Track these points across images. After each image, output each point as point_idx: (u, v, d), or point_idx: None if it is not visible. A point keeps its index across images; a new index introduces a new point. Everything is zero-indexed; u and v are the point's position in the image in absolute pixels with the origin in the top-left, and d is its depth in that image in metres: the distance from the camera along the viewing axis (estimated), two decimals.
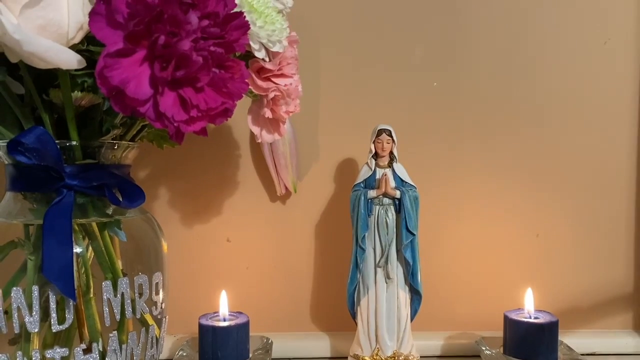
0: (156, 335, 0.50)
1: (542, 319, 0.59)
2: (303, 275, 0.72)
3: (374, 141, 0.61)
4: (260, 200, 0.72)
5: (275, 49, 0.47)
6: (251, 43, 0.46)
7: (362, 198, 0.60)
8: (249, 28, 0.40)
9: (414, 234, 0.60)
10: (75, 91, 0.43)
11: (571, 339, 0.64)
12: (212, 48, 0.37)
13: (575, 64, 0.72)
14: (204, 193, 0.71)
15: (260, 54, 0.47)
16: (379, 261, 0.61)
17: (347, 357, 0.63)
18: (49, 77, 0.43)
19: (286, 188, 0.70)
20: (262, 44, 0.46)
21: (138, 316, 0.47)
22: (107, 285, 0.45)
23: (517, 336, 0.59)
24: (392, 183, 0.61)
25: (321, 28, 0.71)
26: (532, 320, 0.59)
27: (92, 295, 0.46)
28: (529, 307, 0.61)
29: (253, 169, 0.72)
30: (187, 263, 0.71)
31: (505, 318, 0.61)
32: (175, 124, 0.37)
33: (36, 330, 0.43)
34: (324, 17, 0.71)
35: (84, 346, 0.45)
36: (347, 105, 0.72)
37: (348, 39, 0.71)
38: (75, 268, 0.43)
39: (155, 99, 0.36)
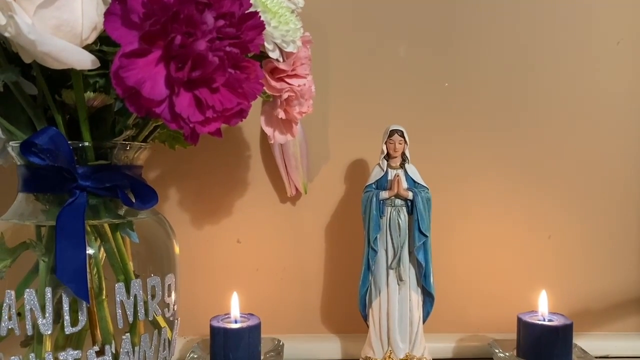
0: (168, 338, 0.50)
1: (557, 321, 0.58)
2: (314, 277, 0.72)
3: (386, 142, 0.61)
4: (270, 201, 0.72)
5: (289, 49, 0.47)
6: (265, 43, 0.46)
7: (374, 199, 0.60)
8: (264, 28, 0.39)
9: (426, 236, 0.60)
10: (88, 91, 0.43)
11: (584, 342, 0.63)
12: (227, 48, 0.37)
13: (588, 64, 0.72)
14: (214, 194, 0.71)
15: (274, 54, 0.47)
16: (391, 263, 0.60)
17: None
18: (62, 78, 0.43)
19: (296, 189, 0.70)
20: (276, 44, 0.46)
21: (150, 318, 0.47)
22: (120, 287, 0.45)
23: (531, 339, 0.58)
24: (405, 184, 0.60)
25: (331, 28, 0.70)
26: (546, 323, 0.58)
27: (104, 297, 0.46)
28: (543, 310, 0.60)
29: (263, 170, 0.71)
30: (197, 264, 0.70)
31: (519, 320, 0.60)
32: (190, 125, 0.36)
33: (49, 332, 0.42)
34: (334, 17, 0.70)
35: (96, 348, 0.44)
36: (357, 106, 0.71)
37: (358, 39, 0.71)
38: (87, 270, 0.43)
39: (171, 100, 0.35)
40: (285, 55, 0.48)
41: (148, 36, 0.34)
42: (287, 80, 0.50)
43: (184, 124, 0.36)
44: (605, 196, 0.73)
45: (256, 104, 0.58)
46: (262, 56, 0.48)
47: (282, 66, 0.49)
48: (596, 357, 0.63)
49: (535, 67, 0.72)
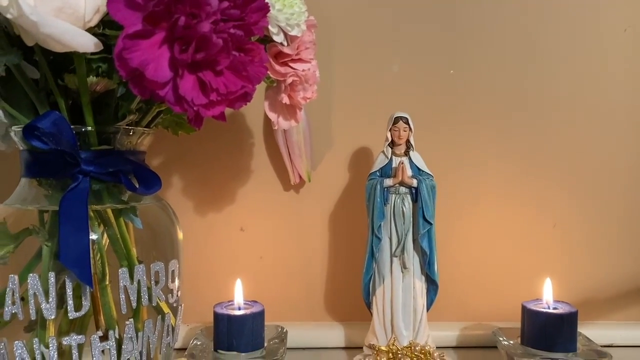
0: (172, 324, 0.50)
1: (562, 309, 0.58)
2: (317, 265, 0.72)
3: (390, 129, 0.60)
4: (273, 189, 0.71)
5: (293, 32, 0.46)
6: (269, 27, 0.45)
7: (378, 187, 0.60)
8: (269, 10, 0.39)
9: (431, 223, 0.59)
10: (91, 76, 0.43)
11: (589, 331, 0.63)
12: (232, 30, 0.36)
13: (595, 52, 0.71)
14: (217, 182, 0.70)
15: (278, 38, 0.46)
16: (395, 250, 0.60)
17: (361, 347, 0.63)
18: (64, 62, 0.43)
19: (300, 177, 0.70)
20: (280, 27, 0.46)
21: (154, 304, 0.47)
22: (123, 272, 0.45)
23: (536, 327, 0.58)
24: (409, 171, 0.60)
25: (335, 13, 0.70)
26: (551, 310, 0.58)
27: (107, 283, 0.46)
28: (548, 298, 0.60)
29: (267, 157, 0.71)
30: (200, 252, 0.70)
31: (523, 308, 0.60)
32: (194, 108, 0.36)
33: (52, 316, 0.42)
34: (339, 1, 0.70)
35: (100, 333, 0.44)
36: (361, 93, 0.71)
37: (363, 25, 0.70)
38: (90, 255, 0.42)
39: (175, 82, 0.35)
40: (289, 39, 0.48)
41: (151, 17, 0.34)
42: (292, 64, 0.49)
43: (187, 107, 0.36)
44: (611, 185, 0.72)
45: (260, 92, 0.57)
46: (266, 40, 0.47)
47: (286, 50, 0.48)
48: (601, 346, 0.63)
49: (541, 55, 0.71)
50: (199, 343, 0.59)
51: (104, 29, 0.41)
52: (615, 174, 0.72)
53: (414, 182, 0.59)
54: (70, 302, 0.42)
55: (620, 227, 0.72)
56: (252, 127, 0.71)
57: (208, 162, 0.70)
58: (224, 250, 0.71)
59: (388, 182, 0.60)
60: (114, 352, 0.44)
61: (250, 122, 0.71)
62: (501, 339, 0.61)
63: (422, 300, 0.61)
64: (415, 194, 0.60)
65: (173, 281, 0.49)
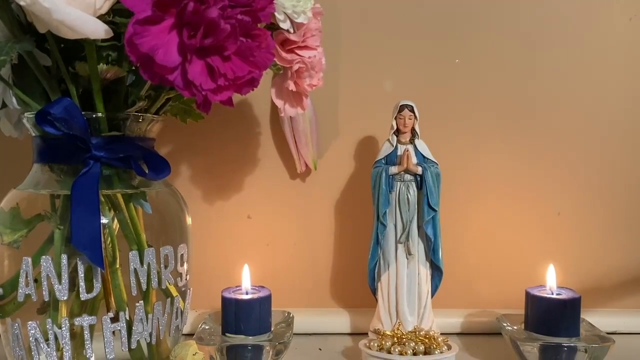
0: (181, 307, 0.51)
1: (565, 295, 0.59)
2: (323, 252, 0.73)
3: (395, 117, 0.61)
4: (280, 177, 0.72)
5: (299, 20, 0.47)
6: (276, 14, 0.46)
7: (384, 174, 0.60)
8: None
9: (435, 210, 0.60)
10: (101, 64, 0.44)
11: (593, 318, 0.63)
12: (239, 16, 0.37)
13: (600, 41, 0.71)
14: (225, 170, 0.71)
15: (285, 25, 0.47)
16: (400, 237, 0.61)
17: (366, 333, 0.63)
18: (75, 50, 0.44)
19: (306, 165, 0.70)
20: (286, 14, 0.46)
21: (164, 287, 0.48)
22: (134, 255, 0.46)
23: (539, 312, 0.58)
24: (414, 159, 0.61)
25: (341, 1, 0.70)
26: (554, 296, 0.59)
27: (118, 266, 0.47)
28: (551, 284, 0.61)
29: (273, 146, 0.72)
30: (208, 240, 0.71)
31: (527, 294, 0.60)
32: (203, 93, 0.37)
33: (65, 298, 0.43)
34: None
35: (111, 315, 0.45)
36: (367, 82, 0.71)
37: (370, 13, 0.71)
38: (102, 238, 0.44)
39: (184, 67, 0.36)
40: (295, 26, 0.49)
41: (161, 3, 0.35)
42: (298, 51, 0.50)
43: (196, 92, 0.37)
44: (615, 173, 0.72)
45: (267, 82, 0.58)
46: (273, 27, 0.48)
47: (292, 37, 0.49)
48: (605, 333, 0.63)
49: (545, 44, 0.71)
50: (207, 327, 0.60)
51: (114, 16, 0.42)
52: (619, 162, 0.72)
53: (419, 170, 0.60)
54: (82, 284, 0.44)
55: (625, 214, 0.73)
56: (259, 116, 0.71)
57: (216, 151, 0.71)
58: (231, 237, 0.72)
59: (393, 169, 0.60)
60: (125, 333, 0.45)
61: (257, 112, 0.71)
62: (505, 324, 0.61)
63: (426, 287, 0.62)
64: (420, 182, 0.60)
65: (182, 265, 0.50)
